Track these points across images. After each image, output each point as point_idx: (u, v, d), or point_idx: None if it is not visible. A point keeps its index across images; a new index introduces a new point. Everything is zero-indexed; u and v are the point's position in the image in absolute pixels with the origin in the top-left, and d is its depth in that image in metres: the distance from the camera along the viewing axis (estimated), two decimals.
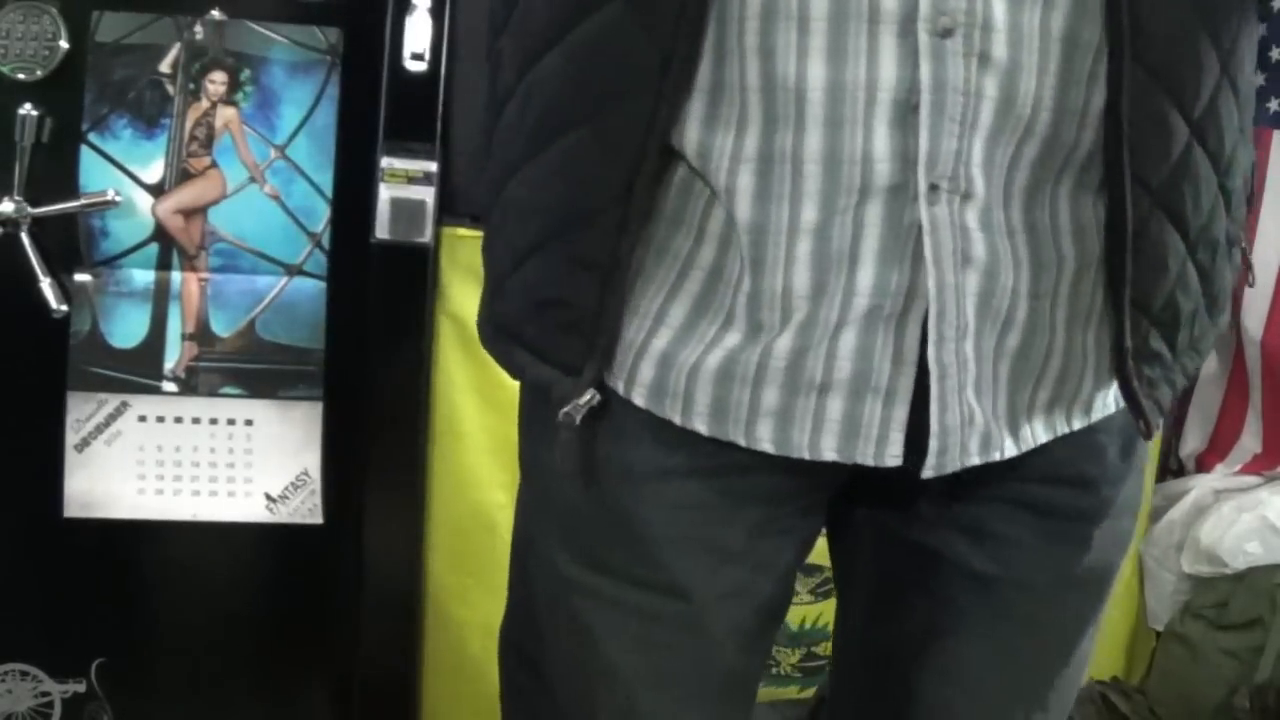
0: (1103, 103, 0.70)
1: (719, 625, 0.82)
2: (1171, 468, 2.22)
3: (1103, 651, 2.09)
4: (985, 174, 0.70)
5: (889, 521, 0.84)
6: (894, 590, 0.86)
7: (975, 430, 0.74)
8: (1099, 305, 0.77)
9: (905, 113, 0.68)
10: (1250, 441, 2.16)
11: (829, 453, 0.74)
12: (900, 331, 0.72)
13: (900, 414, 0.73)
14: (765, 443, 0.75)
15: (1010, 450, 0.77)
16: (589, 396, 0.75)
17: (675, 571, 0.80)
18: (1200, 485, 2.10)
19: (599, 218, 0.72)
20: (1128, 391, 0.78)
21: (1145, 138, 0.71)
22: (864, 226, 0.70)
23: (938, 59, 0.67)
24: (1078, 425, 0.80)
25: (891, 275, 0.71)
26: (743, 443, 0.75)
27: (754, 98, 0.69)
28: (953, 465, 0.74)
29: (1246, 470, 2.14)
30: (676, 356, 0.76)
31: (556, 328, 0.77)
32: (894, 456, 0.74)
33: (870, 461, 0.74)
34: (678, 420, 0.76)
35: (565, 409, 0.75)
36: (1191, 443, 2.21)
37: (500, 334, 0.82)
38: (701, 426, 0.76)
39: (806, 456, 0.75)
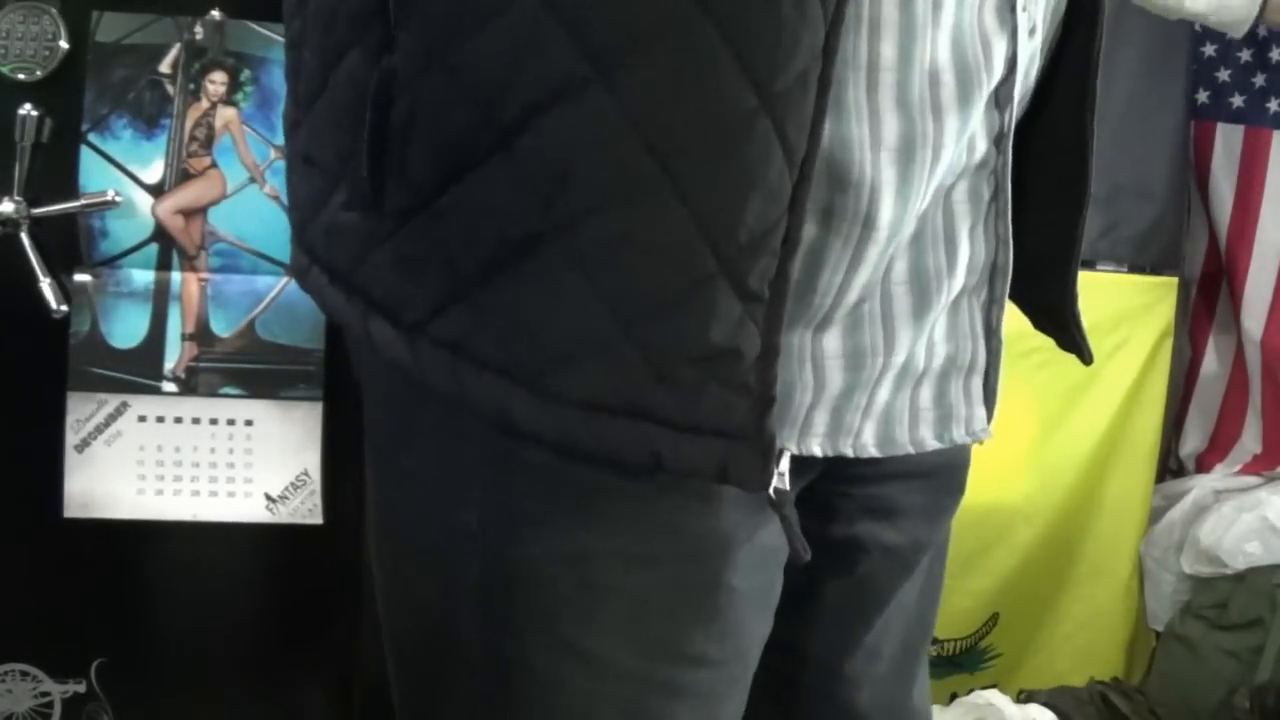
0: (1039, 69, 0.74)
1: (750, 678, 0.75)
2: (1171, 468, 2.22)
3: (1103, 651, 2.09)
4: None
5: (806, 525, 0.79)
6: (809, 588, 0.82)
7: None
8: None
9: (998, 91, 0.68)
10: (1250, 441, 2.17)
11: (931, 441, 0.74)
12: (976, 304, 0.75)
13: (978, 384, 0.76)
14: (871, 448, 0.71)
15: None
16: (787, 459, 0.63)
17: (740, 637, 0.71)
18: (1200, 485, 2.10)
19: (769, 239, 0.58)
20: (1080, 330, 0.82)
21: (1097, 100, 0.76)
22: (954, 204, 0.70)
23: (1022, 37, 0.68)
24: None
25: (980, 249, 0.73)
26: (850, 454, 0.70)
27: (888, 78, 0.62)
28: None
29: (1246, 470, 2.14)
30: (791, 379, 0.66)
31: (723, 385, 0.60)
32: (983, 430, 0.77)
33: (966, 439, 0.76)
34: (793, 449, 0.67)
35: (774, 486, 0.62)
36: (1191, 443, 2.21)
37: (613, 414, 0.61)
38: (817, 449, 0.69)
39: (911, 451, 0.74)
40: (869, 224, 0.63)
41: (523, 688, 0.69)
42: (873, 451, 0.71)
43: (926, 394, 0.73)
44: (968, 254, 0.72)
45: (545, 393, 0.62)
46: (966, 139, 0.68)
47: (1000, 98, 0.68)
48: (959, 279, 0.71)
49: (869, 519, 0.82)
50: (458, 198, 0.62)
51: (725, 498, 0.67)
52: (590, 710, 0.69)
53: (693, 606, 0.68)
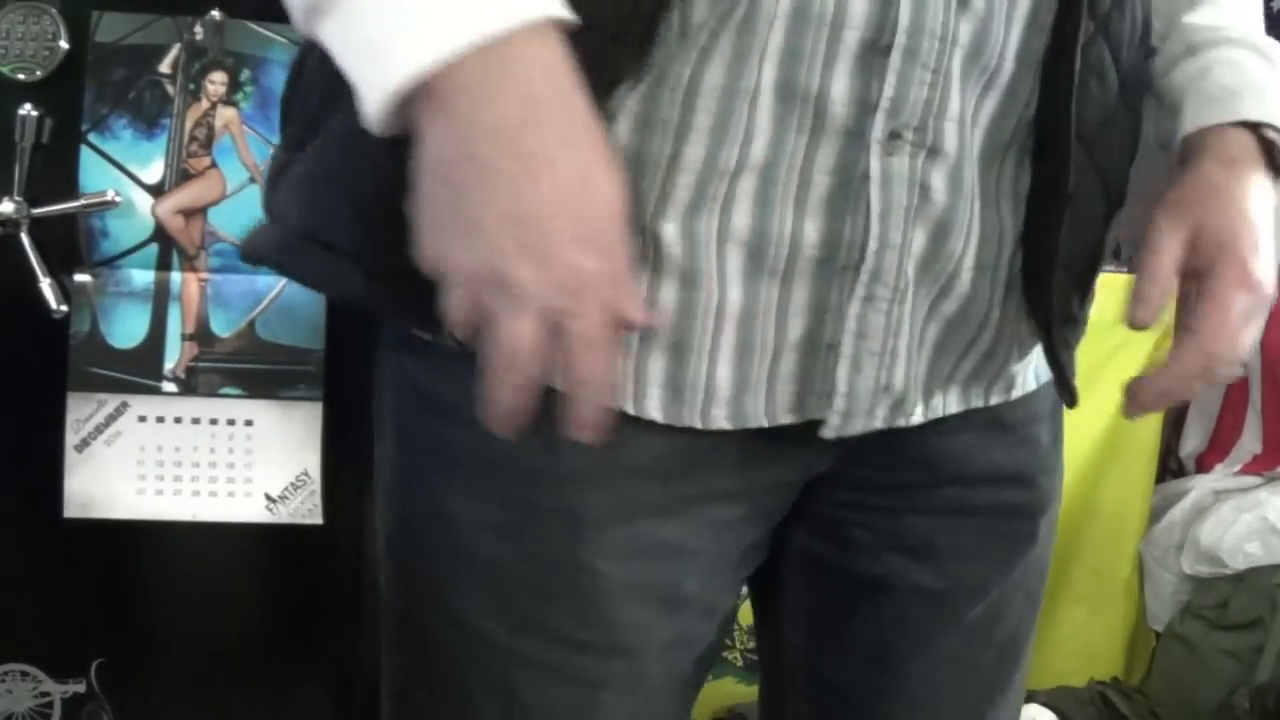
0: (1016, 52, 0.67)
1: (658, 677, 0.74)
2: (1171, 468, 2.22)
3: (1103, 651, 2.09)
4: (958, 130, 0.66)
5: (824, 554, 0.79)
6: (839, 619, 0.80)
7: (889, 396, 0.69)
8: (1018, 273, 0.73)
9: (873, 54, 0.62)
10: (1250, 441, 2.17)
11: (785, 414, 0.68)
12: (850, 283, 0.66)
13: (843, 369, 0.67)
14: (722, 420, 0.67)
15: (917, 417, 0.72)
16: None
17: (621, 628, 0.70)
18: (1200, 485, 2.10)
19: None
20: (1055, 360, 0.73)
21: (1090, 93, 0.68)
22: (812, 171, 0.64)
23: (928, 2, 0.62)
24: (995, 400, 0.76)
25: (841, 225, 0.65)
26: (699, 424, 0.67)
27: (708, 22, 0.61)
28: (854, 430, 0.68)
29: (1246, 470, 2.14)
30: None
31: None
32: (839, 416, 0.68)
33: (812, 413, 0.67)
34: (630, 409, 0.66)
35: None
36: (1191, 443, 2.21)
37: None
38: (655, 410, 0.66)
39: (764, 423, 0.67)
40: (645, 156, 0.62)
41: (421, 646, 0.73)
42: (724, 424, 0.67)
43: (787, 367, 0.67)
44: (820, 227, 0.65)
45: (359, 262, 0.65)
46: (813, 94, 0.62)
47: (890, 65, 0.62)
48: (807, 250, 0.65)
49: (898, 555, 0.77)
50: (334, 124, 0.65)
51: (587, 477, 0.67)
52: (468, 677, 0.72)
53: (552, 583, 0.69)
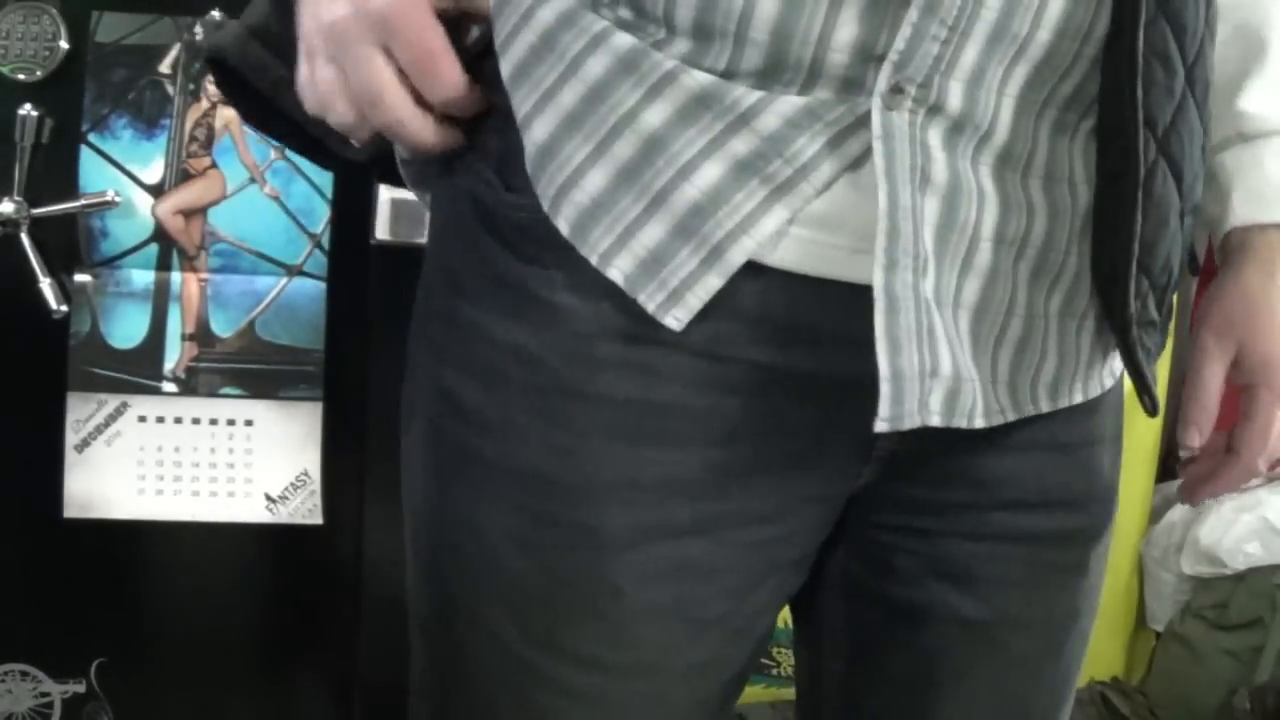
0: (1104, 30, 0.63)
1: (684, 700, 0.71)
2: (1171, 467, 2.22)
3: (1103, 651, 2.09)
4: (968, 92, 0.62)
5: (864, 578, 0.75)
6: (877, 646, 0.77)
7: (940, 382, 0.62)
8: (1071, 268, 0.68)
9: (887, 2, 0.59)
10: None
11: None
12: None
13: None
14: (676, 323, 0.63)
15: (979, 419, 0.66)
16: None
17: (644, 648, 0.68)
18: None
19: None
20: (1133, 364, 0.68)
21: (1154, 75, 0.63)
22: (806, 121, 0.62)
23: None
24: (1044, 408, 0.71)
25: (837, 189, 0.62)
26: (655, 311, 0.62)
27: None
28: (910, 420, 0.61)
29: None
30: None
31: None
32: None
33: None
34: (596, 264, 0.63)
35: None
36: None
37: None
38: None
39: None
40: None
41: (449, 652, 0.72)
42: (673, 324, 0.63)
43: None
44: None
45: None
46: (812, 38, 0.60)
47: (906, 17, 0.59)
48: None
49: (938, 582, 0.73)
50: None
51: (610, 493, 0.66)
52: (491, 688, 0.70)
53: (572, 601, 0.67)
